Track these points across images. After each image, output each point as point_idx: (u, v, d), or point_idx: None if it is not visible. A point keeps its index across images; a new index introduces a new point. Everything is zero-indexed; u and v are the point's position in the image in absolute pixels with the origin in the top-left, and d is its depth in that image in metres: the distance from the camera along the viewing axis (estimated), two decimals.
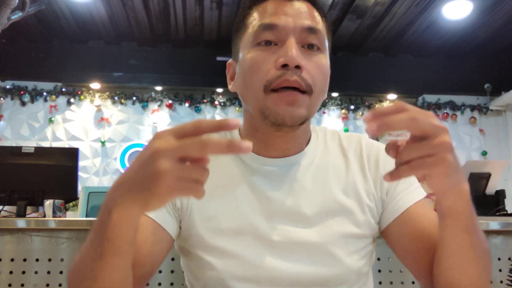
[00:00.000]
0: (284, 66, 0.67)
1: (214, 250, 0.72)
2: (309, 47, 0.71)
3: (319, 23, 0.73)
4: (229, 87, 0.81)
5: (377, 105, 5.05)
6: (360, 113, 5.03)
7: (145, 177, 0.47)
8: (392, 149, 0.53)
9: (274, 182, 0.75)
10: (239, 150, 0.46)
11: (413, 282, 1.81)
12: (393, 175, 0.52)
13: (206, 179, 0.48)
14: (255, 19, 0.73)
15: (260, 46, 0.71)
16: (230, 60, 0.82)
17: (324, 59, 0.72)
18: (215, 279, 0.71)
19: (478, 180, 2.03)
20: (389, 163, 0.77)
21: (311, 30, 0.70)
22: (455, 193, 0.58)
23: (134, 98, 4.81)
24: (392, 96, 5.03)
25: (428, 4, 4.01)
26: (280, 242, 0.72)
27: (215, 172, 0.73)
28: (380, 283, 1.80)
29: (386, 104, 5.07)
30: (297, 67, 0.67)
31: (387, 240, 0.78)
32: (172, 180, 0.46)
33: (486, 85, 5.01)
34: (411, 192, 0.76)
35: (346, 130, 4.92)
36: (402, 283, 1.79)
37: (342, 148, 0.81)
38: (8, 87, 4.67)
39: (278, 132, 0.71)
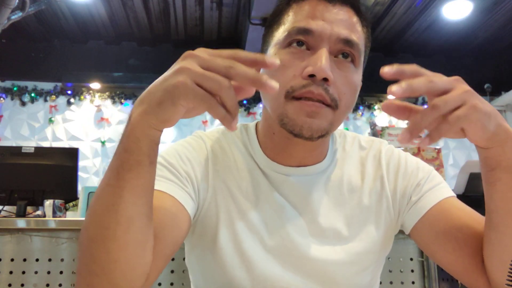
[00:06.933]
0: (311, 76, 0.62)
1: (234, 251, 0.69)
2: (343, 56, 0.66)
3: (358, 34, 0.67)
4: None
5: (376, 105, 5.05)
6: (360, 113, 5.02)
7: (167, 79, 0.50)
8: (397, 111, 0.53)
9: (287, 191, 0.72)
10: (263, 87, 0.46)
11: (413, 282, 1.80)
12: (432, 137, 0.49)
13: (231, 102, 0.47)
14: (291, 18, 0.68)
15: (291, 47, 0.66)
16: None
17: (356, 75, 0.67)
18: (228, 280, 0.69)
19: (478, 180, 2.02)
20: (409, 171, 0.74)
21: (348, 42, 0.65)
22: (500, 140, 0.52)
23: (134, 98, 4.82)
24: (392, 96, 5.00)
25: (428, 4, 4.01)
26: (287, 254, 0.70)
27: (232, 176, 0.72)
28: (380, 283, 1.80)
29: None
30: (325, 79, 0.62)
31: (418, 241, 0.72)
32: (189, 82, 0.47)
33: (486, 85, 5.01)
34: (439, 189, 0.71)
35: (346, 130, 4.92)
36: (402, 283, 1.79)
37: (361, 156, 0.78)
38: (8, 87, 4.68)
39: (295, 139, 0.67)
